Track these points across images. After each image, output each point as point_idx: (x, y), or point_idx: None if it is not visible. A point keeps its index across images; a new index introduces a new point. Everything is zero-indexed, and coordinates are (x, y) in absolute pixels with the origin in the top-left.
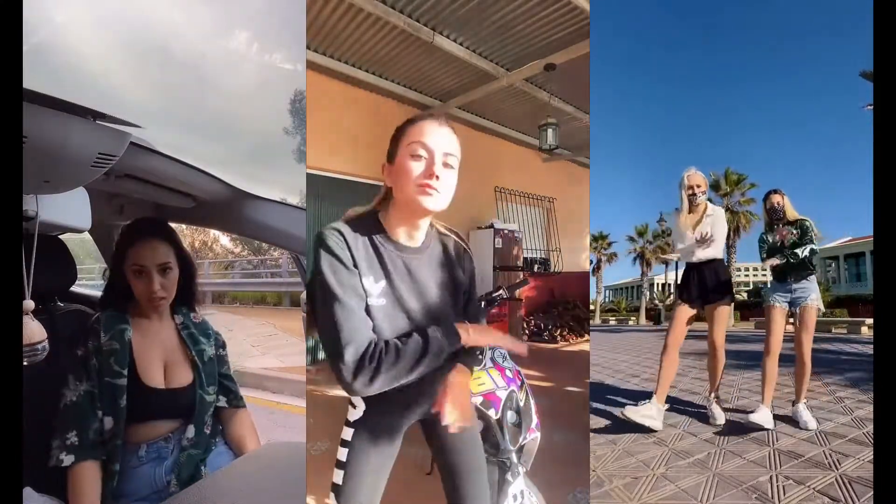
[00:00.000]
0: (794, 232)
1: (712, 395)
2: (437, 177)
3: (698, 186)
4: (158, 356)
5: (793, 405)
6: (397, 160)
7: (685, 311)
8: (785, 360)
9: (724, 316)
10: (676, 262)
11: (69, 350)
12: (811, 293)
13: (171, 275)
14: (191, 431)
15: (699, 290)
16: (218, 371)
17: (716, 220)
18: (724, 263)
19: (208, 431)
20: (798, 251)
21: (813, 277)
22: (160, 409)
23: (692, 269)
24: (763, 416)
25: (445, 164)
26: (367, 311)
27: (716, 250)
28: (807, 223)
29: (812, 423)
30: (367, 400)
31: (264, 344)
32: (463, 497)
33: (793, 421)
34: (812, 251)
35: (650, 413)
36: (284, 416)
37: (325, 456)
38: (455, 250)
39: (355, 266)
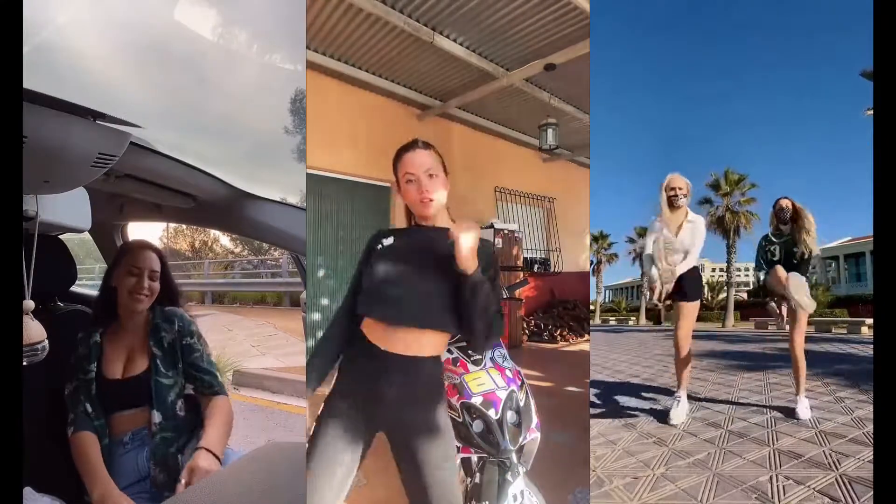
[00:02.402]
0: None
1: (682, 390)
2: (428, 190)
3: (679, 189)
4: (122, 353)
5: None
6: (402, 187)
7: (693, 307)
8: (782, 359)
9: (693, 312)
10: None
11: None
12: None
13: (155, 283)
14: (157, 417)
15: (679, 287)
16: (185, 359)
17: (695, 229)
18: (698, 270)
19: (182, 413)
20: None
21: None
22: (119, 397)
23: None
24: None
25: (430, 176)
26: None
27: (693, 261)
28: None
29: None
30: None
31: (264, 344)
32: None
33: (799, 423)
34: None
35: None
36: (284, 416)
37: None
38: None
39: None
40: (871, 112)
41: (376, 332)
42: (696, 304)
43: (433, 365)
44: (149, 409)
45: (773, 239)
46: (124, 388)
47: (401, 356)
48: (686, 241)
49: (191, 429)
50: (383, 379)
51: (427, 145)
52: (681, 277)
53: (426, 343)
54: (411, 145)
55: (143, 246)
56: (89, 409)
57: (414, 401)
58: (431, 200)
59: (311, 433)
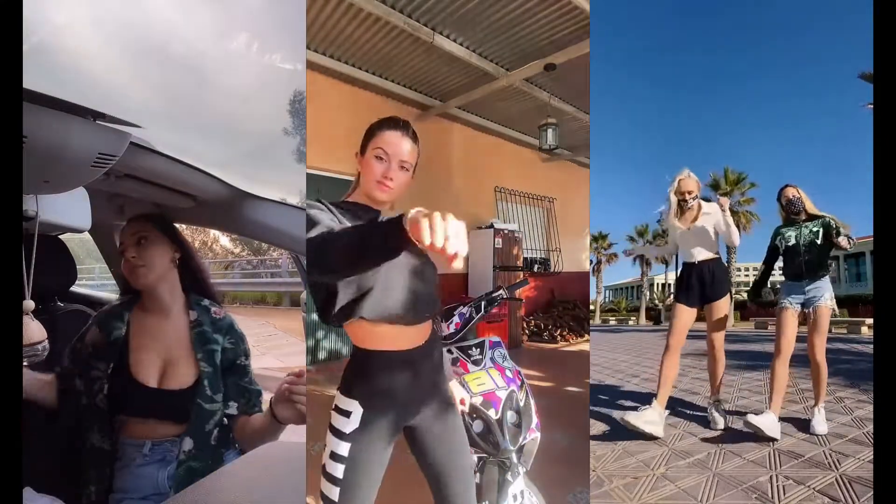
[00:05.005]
0: (814, 231)
1: (713, 398)
2: (392, 178)
3: (689, 193)
4: (157, 354)
5: (814, 407)
6: (366, 156)
7: (685, 312)
8: (793, 361)
9: (724, 314)
10: (676, 260)
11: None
12: (825, 293)
13: (148, 246)
14: (188, 444)
15: (698, 290)
16: (237, 381)
17: (713, 218)
18: (722, 262)
19: (214, 443)
20: (843, 246)
21: (826, 277)
22: (150, 408)
23: (690, 268)
24: (767, 422)
25: (401, 167)
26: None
27: (713, 248)
28: (828, 220)
29: (821, 429)
30: (363, 405)
31: (264, 344)
32: (451, 498)
33: (799, 423)
34: (848, 238)
35: (652, 418)
36: None
37: None
38: None
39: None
40: (871, 106)
41: (364, 337)
42: (727, 299)
43: (432, 347)
44: (176, 430)
45: (787, 228)
46: (159, 400)
47: (394, 352)
48: (709, 227)
49: (218, 455)
50: (389, 381)
51: (414, 135)
52: (711, 274)
53: (411, 335)
54: (395, 124)
55: (128, 221)
56: (100, 404)
57: (423, 389)
58: (390, 188)
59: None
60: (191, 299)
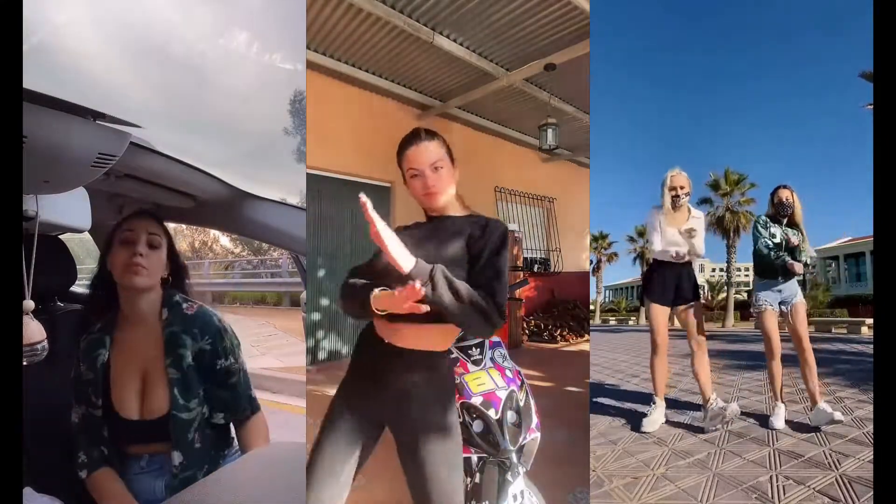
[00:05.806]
0: (797, 237)
1: (713, 399)
2: (433, 185)
3: (682, 188)
4: (135, 378)
5: (812, 408)
6: (407, 181)
7: (663, 311)
8: (785, 360)
9: (700, 314)
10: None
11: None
12: (798, 291)
13: (157, 252)
14: (177, 457)
15: (673, 291)
16: (221, 385)
17: (698, 225)
18: (692, 267)
19: (199, 446)
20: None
21: (794, 278)
22: (138, 438)
23: (663, 268)
24: (780, 417)
25: (435, 169)
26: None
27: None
28: (801, 237)
29: (839, 415)
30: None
31: (264, 344)
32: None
33: (799, 423)
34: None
35: (662, 417)
36: (285, 416)
37: None
38: (472, 223)
39: None
40: (871, 107)
41: (381, 328)
42: (699, 302)
43: (440, 360)
44: (169, 446)
45: (772, 223)
46: (144, 430)
47: (407, 350)
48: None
49: (209, 457)
50: (389, 373)
51: (431, 135)
52: (689, 276)
53: (431, 337)
54: (414, 138)
55: (139, 211)
56: (105, 451)
57: (419, 396)
58: (437, 194)
59: (318, 429)
60: (165, 294)
